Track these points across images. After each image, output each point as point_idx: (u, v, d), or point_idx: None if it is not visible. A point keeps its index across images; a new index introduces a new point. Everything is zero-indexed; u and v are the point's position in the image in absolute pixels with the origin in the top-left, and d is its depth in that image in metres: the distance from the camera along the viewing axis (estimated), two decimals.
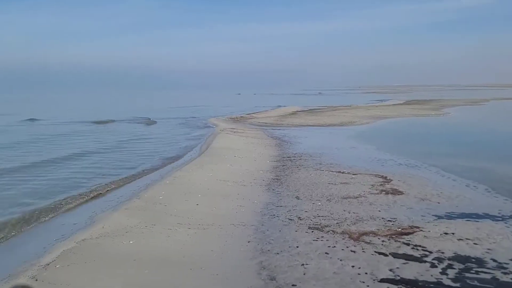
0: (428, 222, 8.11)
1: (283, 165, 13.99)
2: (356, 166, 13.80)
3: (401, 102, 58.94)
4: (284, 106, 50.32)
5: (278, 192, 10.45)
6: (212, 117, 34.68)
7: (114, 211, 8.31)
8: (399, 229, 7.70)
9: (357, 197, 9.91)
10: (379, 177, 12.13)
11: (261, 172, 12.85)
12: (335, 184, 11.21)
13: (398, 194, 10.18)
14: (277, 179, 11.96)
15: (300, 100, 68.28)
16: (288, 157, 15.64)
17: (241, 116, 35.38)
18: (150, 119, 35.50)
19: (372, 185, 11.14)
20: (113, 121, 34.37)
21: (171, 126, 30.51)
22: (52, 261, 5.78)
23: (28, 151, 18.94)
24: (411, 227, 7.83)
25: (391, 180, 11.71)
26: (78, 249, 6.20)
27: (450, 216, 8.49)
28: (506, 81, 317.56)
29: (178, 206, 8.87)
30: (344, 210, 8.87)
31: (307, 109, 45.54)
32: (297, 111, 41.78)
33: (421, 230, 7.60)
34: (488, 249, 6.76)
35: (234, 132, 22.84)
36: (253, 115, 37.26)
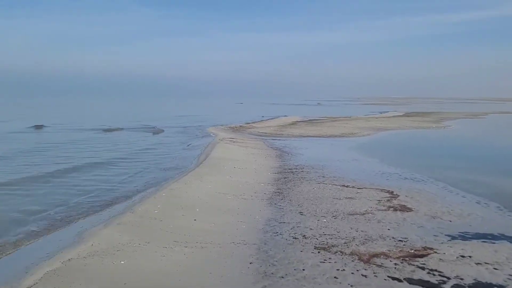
0: (442, 243, 7.59)
1: (285, 178, 13.46)
2: (360, 179, 13.29)
3: (401, 114, 58.65)
4: (284, 116, 49.91)
5: (281, 207, 9.92)
6: (211, 126, 34.17)
7: (105, 226, 7.75)
8: (412, 251, 7.17)
9: (364, 214, 9.38)
10: (385, 192, 11.62)
11: (262, 185, 12.32)
12: (340, 199, 10.68)
13: (407, 211, 9.66)
14: (279, 192, 11.43)
15: (299, 110, 67.92)
16: (289, 169, 15.13)
17: (241, 126, 34.91)
18: (155, 127, 35.05)
19: (379, 200, 10.62)
20: (121, 129, 33.92)
21: (170, 135, 29.90)
22: (34, 284, 5.22)
23: (31, 161, 17.83)
24: (425, 248, 7.30)
25: (398, 195, 11.20)
26: (63, 270, 5.64)
27: (464, 237, 7.97)
28: (504, 95, 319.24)
29: (174, 221, 8.32)
30: (351, 228, 8.34)
31: (307, 119, 45.13)
32: (297, 121, 41.35)
33: (436, 252, 7.07)
34: (510, 275, 6.24)
35: (234, 142, 22.34)
36: (252, 124, 36.80)
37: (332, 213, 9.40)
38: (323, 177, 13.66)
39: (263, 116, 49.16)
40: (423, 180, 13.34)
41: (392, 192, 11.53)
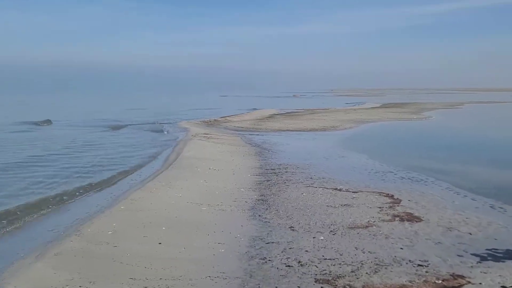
0: (472, 266, 6.06)
1: (268, 180, 11.76)
2: (352, 180, 11.75)
3: (378, 105, 57.96)
4: (260, 109, 48.16)
5: (266, 220, 8.20)
6: (184, 121, 32.01)
7: (37, 259, 5.84)
8: (440, 281, 5.60)
9: (367, 227, 7.78)
10: (384, 195, 10.10)
11: (242, 190, 10.57)
12: (335, 207, 9.06)
13: (416, 221, 8.14)
14: (262, 200, 9.71)
15: (275, 103, 66.24)
16: (272, 169, 13.43)
17: (215, 120, 32.95)
18: (116, 123, 32.31)
19: (380, 207, 9.06)
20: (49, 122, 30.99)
21: (136, 131, 27.34)
22: None
23: None
24: (453, 276, 5.74)
25: (400, 200, 9.69)
26: None
27: (495, 256, 6.47)
28: (474, 86, 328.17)
29: (133, 247, 6.48)
30: (356, 248, 6.72)
31: (284, 112, 43.60)
32: (274, 114, 39.73)
33: (470, 282, 5.53)
34: None
35: (208, 138, 20.47)
36: (228, 118, 34.90)
37: (329, 227, 7.76)
38: (311, 178, 12.03)
39: (239, 110, 47.32)
40: (422, 180, 11.91)
41: (392, 196, 10.01)
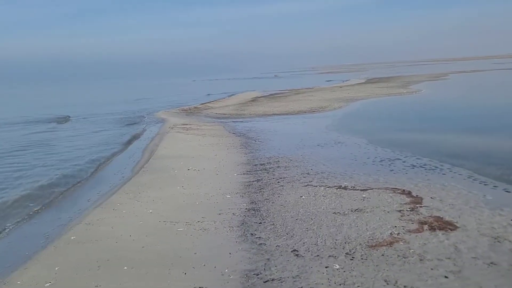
0: None
1: (258, 180, 9.92)
2: (357, 174, 10.01)
3: (363, 81, 56.44)
4: (242, 92, 45.99)
5: (262, 242, 6.37)
6: (161, 110, 29.63)
7: None
8: None
9: (391, 243, 6.03)
10: (400, 192, 8.38)
11: (228, 197, 8.71)
12: (344, 214, 7.29)
13: (451, 229, 6.43)
14: (254, 209, 7.87)
15: (257, 85, 63.97)
16: (261, 164, 11.59)
17: (195, 107, 30.79)
18: (68, 116, 29.05)
19: (400, 211, 7.33)
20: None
21: (104, 124, 24.64)
22: None
23: None
24: None
25: (421, 198, 7.98)
26: None
27: None
28: (452, 56, 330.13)
29: None
30: (387, 282, 4.96)
31: (268, 94, 41.56)
32: (258, 97, 37.68)
33: None
34: None
35: (187, 130, 18.44)
36: (208, 104, 32.76)
37: (343, 247, 5.99)
38: (308, 174, 10.24)
39: (220, 94, 45.11)
40: (437, 168, 10.23)
41: (410, 193, 8.29)
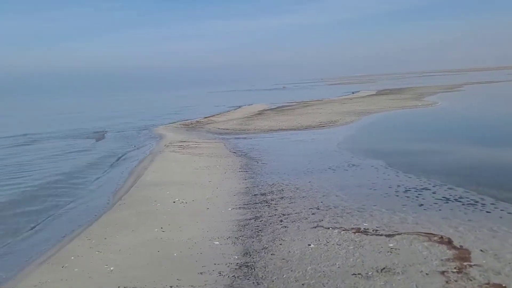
0: None
1: (256, 218, 8.07)
2: (379, 209, 8.13)
3: (374, 92, 54.52)
4: (249, 104, 44.31)
5: None
6: (161, 125, 28.01)
7: None
8: None
9: None
10: (437, 240, 6.47)
11: (216, 243, 6.87)
12: (367, 277, 5.40)
13: None
14: (247, 266, 6.01)
15: (265, 97, 62.28)
16: (262, 194, 9.75)
17: (197, 121, 29.11)
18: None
19: (443, 272, 5.42)
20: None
21: (104, 143, 22.94)
22: None
23: None
24: None
25: (468, 251, 6.06)
26: None
27: None
28: (460, 67, 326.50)
29: None
30: None
31: (275, 106, 39.80)
32: (264, 110, 35.96)
33: None
34: None
35: (184, 148, 16.70)
36: (212, 118, 31.08)
37: None
38: (317, 209, 8.38)
39: (224, 106, 43.52)
40: (477, 203, 8.31)
41: (450, 242, 6.38)
